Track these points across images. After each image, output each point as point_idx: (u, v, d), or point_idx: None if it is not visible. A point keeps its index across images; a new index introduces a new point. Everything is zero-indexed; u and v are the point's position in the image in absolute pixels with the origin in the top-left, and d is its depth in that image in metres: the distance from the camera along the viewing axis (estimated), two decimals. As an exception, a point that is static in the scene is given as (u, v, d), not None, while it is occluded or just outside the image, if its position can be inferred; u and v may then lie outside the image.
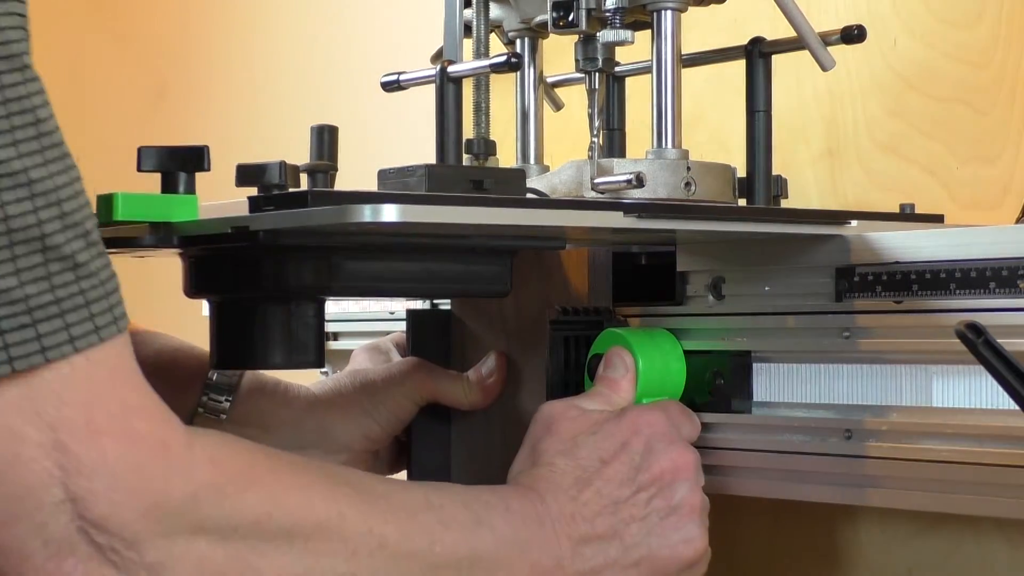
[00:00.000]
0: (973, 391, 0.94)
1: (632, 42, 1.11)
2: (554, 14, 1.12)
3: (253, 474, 0.87)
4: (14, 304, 0.77)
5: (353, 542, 0.89)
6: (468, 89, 1.15)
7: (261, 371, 1.18)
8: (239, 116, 2.08)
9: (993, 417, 0.93)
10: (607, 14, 1.10)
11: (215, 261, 1.03)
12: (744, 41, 1.17)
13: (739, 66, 1.17)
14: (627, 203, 1.01)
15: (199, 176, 0.98)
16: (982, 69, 1.23)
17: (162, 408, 0.84)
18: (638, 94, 1.22)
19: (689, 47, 1.16)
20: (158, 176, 0.97)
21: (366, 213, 0.87)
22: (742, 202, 1.16)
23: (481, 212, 0.93)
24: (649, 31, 1.12)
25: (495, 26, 1.21)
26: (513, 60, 1.09)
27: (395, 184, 0.99)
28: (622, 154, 1.25)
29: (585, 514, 0.98)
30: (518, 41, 1.21)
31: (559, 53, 1.24)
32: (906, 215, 1.16)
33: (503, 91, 1.22)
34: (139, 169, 0.97)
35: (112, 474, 0.80)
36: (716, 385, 1.06)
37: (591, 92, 1.16)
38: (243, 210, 0.95)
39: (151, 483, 0.82)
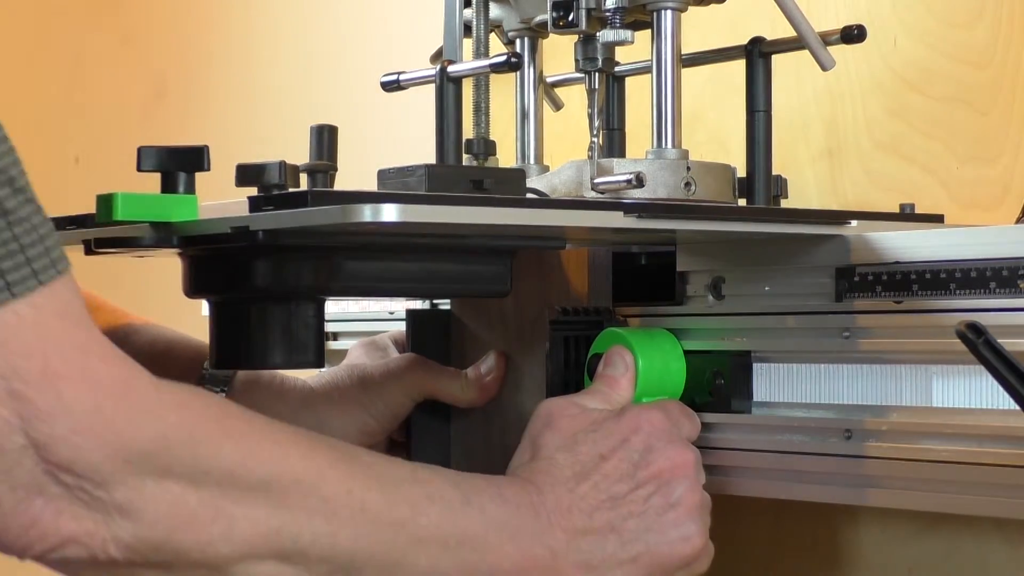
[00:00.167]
0: (973, 391, 0.94)
1: (632, 42, 1.11)
2: (554, 14, 1.12)
3: (227, 424, 0.87)
4: None
5: (333, 502, 0.89)
6: (468, 89, 1.15)
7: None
8: (239, 116, 2.08)
9: (993, 417, 0.93)
10: (607, 14, 1.10)
11: (215, 261, 1.03)
12: (744, 41, 1.17)
13: (739, 66, 1.17)
14: (627, 203, 1.01)
15: (199, 176, 0.98)
16: (982, 69, 1.23)
17: (120, 352, 0.84)
18: (638, 94, 1.22)
19: (689, 47, 1.16)
20: (158, 176, 0.97)
21: (366, 213, 0.87)
22: (742, 202, 1.16)
23: (481, 212, 0.93)
24: (649, 31, 1.12)
25: (495, 26, 1.21)
26: (513, 60, 1.09)
27: (395, 184, 0.99)
28: (622, 154, 1.25)
29: (583, 507, 0.98)
30: (518, 41, 1.21)
31: (559, 53, 1.24)
32: (906, 215, 1.16)
33: (503, 91, 1.22)
34: (139, 169, 0.97)
35: (73, 417, 0.81)
36: (716, 385, 1.06)
37: (591, 92, 1.16)
38: (243, 210, 0.95)
39: (115, 424, 0.82)
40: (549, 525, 0.97)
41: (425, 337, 1.21)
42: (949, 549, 1.18)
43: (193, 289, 1.06)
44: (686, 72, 1.15)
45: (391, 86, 1.21)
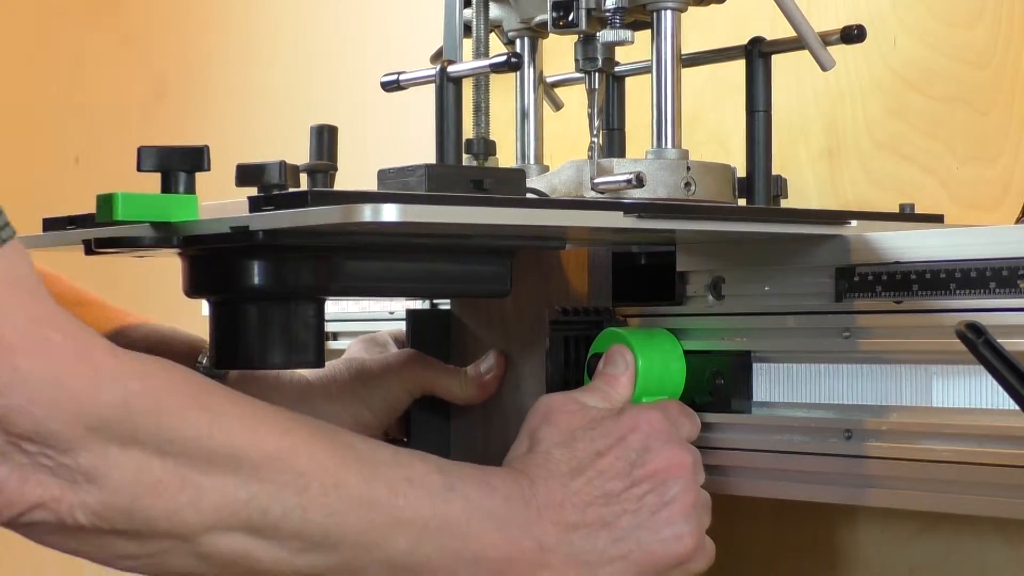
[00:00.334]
0: (973, 391, 0.94)
1: (632, 42, 1.11)
2: (554, 14, 1.12)
3: (192, 393, 0.87)
4: None
5: (306, 477, 0.89)
6: (468, 89, 1.15)
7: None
8: (239, 116, 2.08)
9: (993, 417, 0.93)
10: (607, 14, 1.10)
11: (215, 261, 1.03)
12: (744, 41, 1.17)
13: (739, 66, 1.17)
14: (627, 203, 1.01)
15: (199, 176, 0.98)
16: (982, 69, 1.23)
17: (77, 321, 0.84)
18: (638, 94, 1.22)
19: (689, 47, 1.16)
20: (158, 176, 0.97)
21: (366, 213, 0.87)
22: (742, 202, 1.16)
23: (481, 212, 0.93)
24: (649, 31, 1.12)
25: (495, 26, 1.21)
26: (513, 60, 1.09)
27: (395, 184, 0.99)
28: (622, 154, 1.25)
29: (575, 502, 0.98)
30: (518, 41, 1.21)
31: (559, 53, 1.24)
32: (906, 215, 1.16)
33: (503, 91, 1.22)
34: (139, 169, 0.97)
35: (29, 388, 0.81)
36: (716, 385, 1.06)
37: (591, 92, 1.16)
38: (243, 210, 0.95)
39: (74, 392, 0.82)
40: (539, 517, 0.97)
41: (425, 337, 1.21)
42: (949, 549, 1.18)
43: (193, 289, 1.06)
44: (686, 72, 1.15)
45: (391, 86, 1.21)
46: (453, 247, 1.06)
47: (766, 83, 1.16)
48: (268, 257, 1.02)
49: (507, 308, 1.16)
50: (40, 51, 2.46)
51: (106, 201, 0.95)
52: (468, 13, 1.18)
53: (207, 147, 0.97)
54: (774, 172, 1.17)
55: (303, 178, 1.08)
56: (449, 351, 1.20)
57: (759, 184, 1.16)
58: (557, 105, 1.30)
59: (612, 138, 1.25)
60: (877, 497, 0.99)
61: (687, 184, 1.09)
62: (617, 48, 1.15)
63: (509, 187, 1.00)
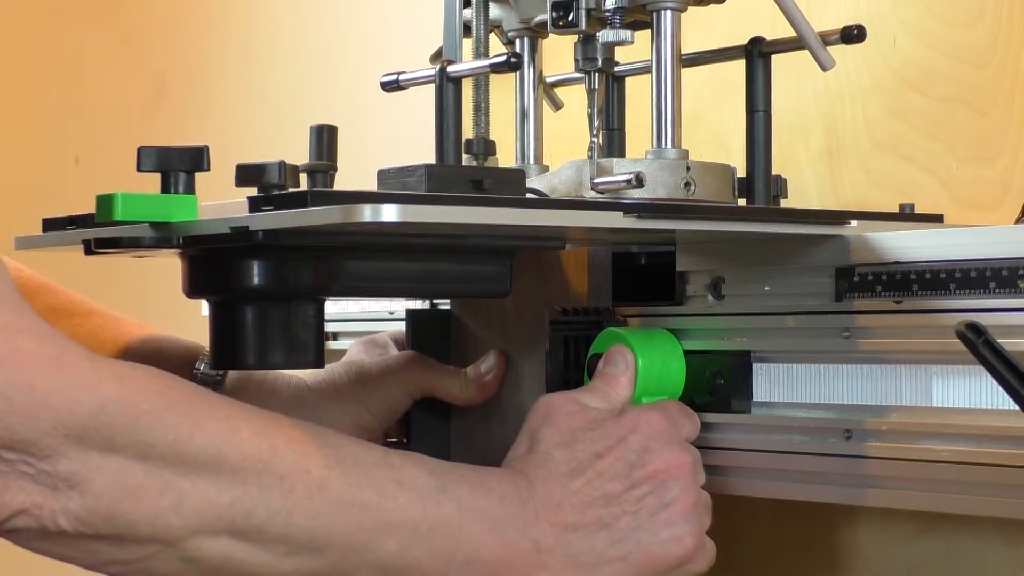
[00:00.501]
0: (973, 391, 0.94)
1: (632, 42, 1.11)
2: (554, 14, 1.12)
3: (171, 397, 0.87)
4: None
5: (289, 480, 0.89)
6: (468, 89, 1.15)
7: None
8: (239, 116, 2.08)
9: (993, 417, 0.93)
10: (607, 14, 1.10)
11: (215, 261, 1.03)
12: (744, 41, 1.17)
13: (739, 66, 1.17)
14: (627, 203, 1.01)
15: (199, 176, 0.98)
16: (982, 69, 1.23)
17: (53, 330, 0.85)
18: (638, 94, 1.22)
19: (689, 47, 1.16)
20: (158, 176, 0.97)
21: (366, 213, 0.87)
22: (742, 202, 1.16)
23: (481, 212, 0.93)
24: (649, 31, 1.12)
25: (495, 26, 1.21)
26: (513, 60, 1.09)
27: (395, 184, 0.99)
28: (622, 154, 1.25)
29: (574, 503, 0.98)
30: (518, 41, 1.21)
31: (559, 53, 1.24)
32: (906, 215, 1.16)
33: (503, 91, 1.22)
34: (139, 169, 0.97)
35: (5, 397, 0.82)
36: (716, 385, 1.06)
37: (591, 92, 1.16)
38: (243, 210, 0.95)
39: (49, 400, 0.83)
40: (536, 518, 0.97)
41: (425, 337, 1.21)
42: (948, 549, 1.18)
43: (193, 289, 1.06)
44: (686, 72, 1.15)
45: (391, 86, 1.21)
46: (453, 247, 1.06)
47: (766, 83, 1.16)
48: (268, 257, 1.02)
49: (507, 308, 1.16)
50: (40, 51, 2.46)
51: (106, 201, 0.95)
52: (468, 13, 1.18)
53: (207, 147, 0.97)
54: (774, 172, 1.17)
55: (303, 178, 1.08)
56: (449, 351, 1.20)
57: (759, 184, 1.16)
58: (557, 105, 1.30)
59: (612, 138, 1.25)
60: (876, 497, 0.99)
61: (687, 184, 1.09)
62: (617, 48, 1.15)
63: (509, 187, 1.00)
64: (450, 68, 1.11)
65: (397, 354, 1.20)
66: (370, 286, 1.08)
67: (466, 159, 1.15)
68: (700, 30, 1.26)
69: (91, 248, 1.02)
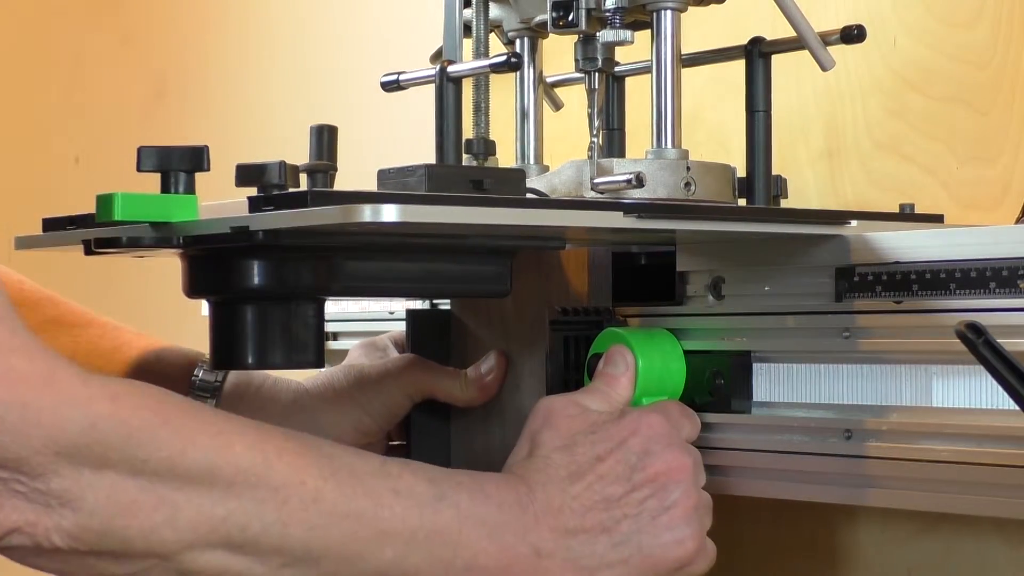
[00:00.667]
0: (973, 391, 0.94)
1: (632, 42, 1.11)
2: (554, 14, 1.12)
3: (163, 413, 0.87)
4: None
5: (284, 492, 0.89)
6: (468, 89, 1.15)
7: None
8: (239, 116, 2.08)
9: (993, 417, 0.93)
10: (607, 14, 1.10)
11: (215, 261, 1.03)
12: (744, 41, 1.17)
13: (739, 66, 1.17)
14: (627, 203, 1.01)
15: (199, 176, 0.98)
16: (982, 69, 1.23)
17: (45, 348, 0.85)
18: (638, 94, 1.22)
19: (689, 47, 1.16)
20: (158, 176, 0.97)
21: (366, 213, 0.87)
22: (742, 202, 1.16)
23: (481, 212, 0.93)
24: (649, 31, 1.12)
25: (495, 26, 1.21)
26: (513, 60, 1.09)
27: (395, 184, 0.99)
28: (622, 154, 1.25)
29: (575, 507, 0.98)
30: (518, 41, 1.21)
31: (559, 53, 1.24)
32: (906, 215, 1.16)
33: (503, 91, 1.22)
34: (139, 169, 0.97)
35: None
36: (716, 385, 1.06)
37: (591, 92, 1.16)
38: (243, 210, 0.95)
39: (40, 418, 0.83)
40: (536, 523, 0.97)
41: (425, 337, 1.21)
42: (949, 549, 1.18)
43: (193, 289, 1.06)
44: (686, 72, 1.15)
45: (391, 86, 1.21)
46: (453, 247, 1.06)
47: (766, 83, 1.16)
48: (268, 257, 1.01)
49: (507, 308, 1.16)
50: (40, 51, 2.46)
51: (106, 201, 0.95)
52: (468, 13, 1.18)
53: (207, 147, 0.97)
54: (774, 172, 1.17)
55: (303, 178, 1.08)
56: (449, 351, 1.20)
57: (759, 184, 1.16)
58: (557, 105, 1.30)
59: (612, 138, 1.25)
60: (877, 497, 0.99)
61: (687, 184, 1.09)
62: (617, 48, 1.15)
63: (509, 187, 1.00)
64: (450, 68, 1.11)
65: (397, 357, 1.20)
66: (370, 286, 1.08)
67: (466, 159, 1.15)
68: (700, 30, 1.26)
69: (91, 248, 1.02)
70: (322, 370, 1.19)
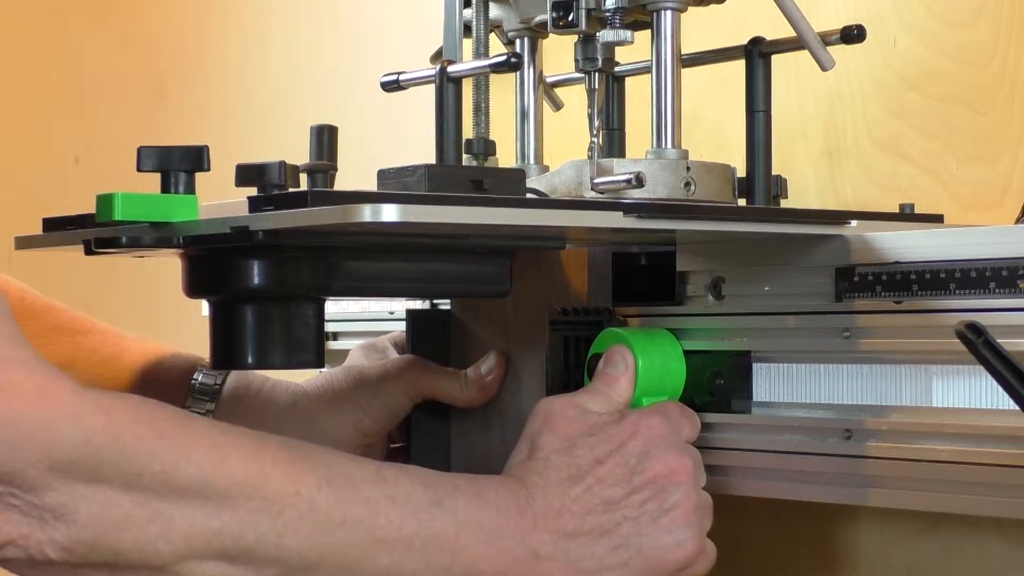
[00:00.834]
0: (973, 391, 0.94)
1: (632, 42, 1.11)
2: (554, 14, 1.12)
3: (157, 426, 0.88)
4: None
5: (279, 502, 0.90)
6: (468, 89, 1.15)
7: (248, 370, 1.18)
8: (239, 116, 2.08)
9: (993, 417, 0.93)
10: (607, 14, 1.10)
11: (215, 261, 1.03)
12: (744, 41, 1.17)
13: (739, 66, 1.17)
14: (627, 203, 1.01)
15: (199, 176, 0.98)
16: (982, 69, 1.23)
17: (42, 362, 0.85)
18: (638, 94, 1.22)
19: (689, 47, 1.16)
20: (158, 176, 0.97)
21: (366, 213, 0.87)
22: (742, 202, 1.16)
23: (481, 212, 0.93)
24: (649, 31, 1.12)
25: (495, 26, 1.21)
26: (513, 60, 1.09)
27: (395, 184, 0.99)
28: (622, 154, 1.25)
29: (574, 510, 0.98)
30: (518, 41, 1.21)
31: (559, 53, 1.24)
32: (906, 215, 1.16)
33: (503, 91, 1.22)
34: (139, 169, 0.97)
35: None
36: (716, 385, 1.06)
37: (591, 92, 1.16)
38: (243, 210, 0.95)
39: (34, 432, 0.83)
40: (535, 527, 0.97)
41: (425, 337, 1.21)
42: (949, 549, 1.18)
43: (193, 289, 1.06)
44: (686, 72, 1.15)
45: (391, 86, 1.21)
46: (453, 247, 1.06)
47: (766, 83, 1.16)
48: (268, 257, 1.01)
49: (507, 308, 1.16)
50: (40, 51, 2.46)
51: (106, 201, 0.95)
52: (468, 13, 1.18)
53: (207, 147, 0.97)
54: (774, 172, 1.17)
55: (303, 178, 1.08)
56: (449, 351, 1.20)
57: (759, 184, 1.16)
58: (557, 105, 1.30)
59: (612, 138, 1.25)
60: (877, 497, 0.99)
61: (687, 184, 1.09)
62: (617, 48, 1.15)
63: (509, 187, 1.00)
64: (450, 68, 1.11)
65: (396, 358, 1.20)
66: (370, 286, 1.08)
67: (466, 159, 1.15)
68: (700, 30, 1.26)
69: (91, 248, 1.02)
70: (321, 372, 1.19)
